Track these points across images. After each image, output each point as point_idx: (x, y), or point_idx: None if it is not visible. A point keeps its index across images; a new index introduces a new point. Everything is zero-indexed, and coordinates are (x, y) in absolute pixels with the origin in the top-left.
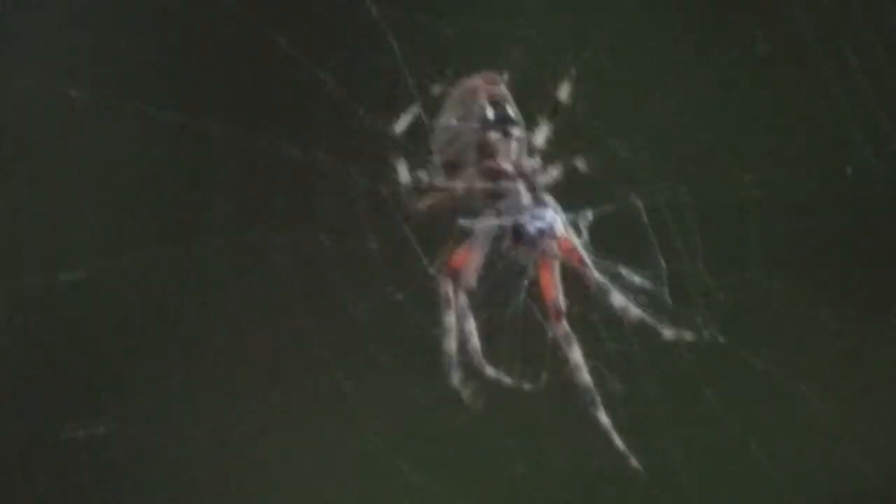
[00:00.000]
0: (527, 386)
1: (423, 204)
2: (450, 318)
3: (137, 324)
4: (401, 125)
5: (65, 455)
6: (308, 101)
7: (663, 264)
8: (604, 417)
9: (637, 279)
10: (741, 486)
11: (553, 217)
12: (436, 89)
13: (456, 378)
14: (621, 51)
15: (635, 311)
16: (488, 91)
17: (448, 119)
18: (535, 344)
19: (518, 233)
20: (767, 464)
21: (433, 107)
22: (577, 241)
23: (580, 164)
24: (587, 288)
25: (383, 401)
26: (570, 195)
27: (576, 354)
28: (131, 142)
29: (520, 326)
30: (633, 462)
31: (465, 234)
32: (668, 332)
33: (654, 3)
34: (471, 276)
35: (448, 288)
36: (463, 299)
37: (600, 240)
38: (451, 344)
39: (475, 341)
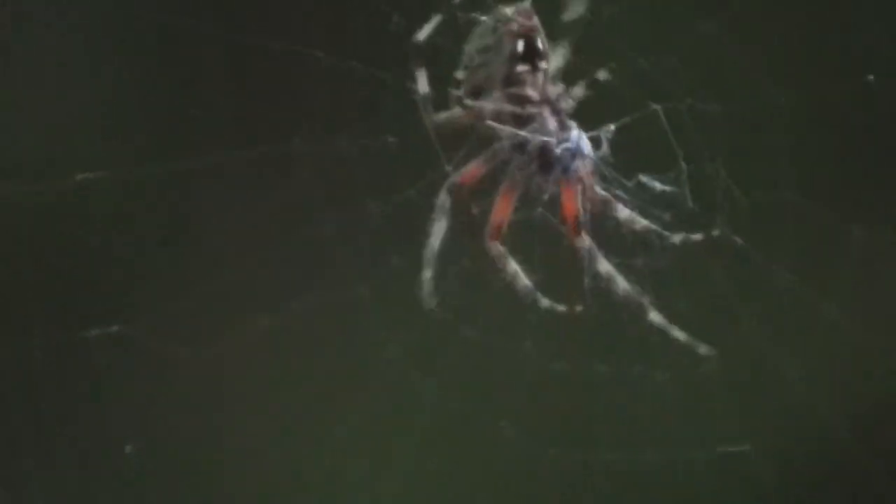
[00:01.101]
0: (579, 308)
1: (441, 117)
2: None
3: (151, 232)
4: (423, 33)
5: (79, 354)
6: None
7: (684, 167)
8: (656, 317)
9: (658, 184)
10: (768, 396)
11: (579, 136)
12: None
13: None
14: None
15: (641, 222)
16: (521, 24)
17: (478, 45)
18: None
19: (546, 153)
20: (792, 373)
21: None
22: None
23: (602, 75)
24: (590, 202)
25: (400, 312)
26: (594, 111)
27: (604, 266)
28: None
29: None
30: (703, 349)
31: (485, 143)
32: (676, 237)
33: None
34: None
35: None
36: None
37: (622, 151)
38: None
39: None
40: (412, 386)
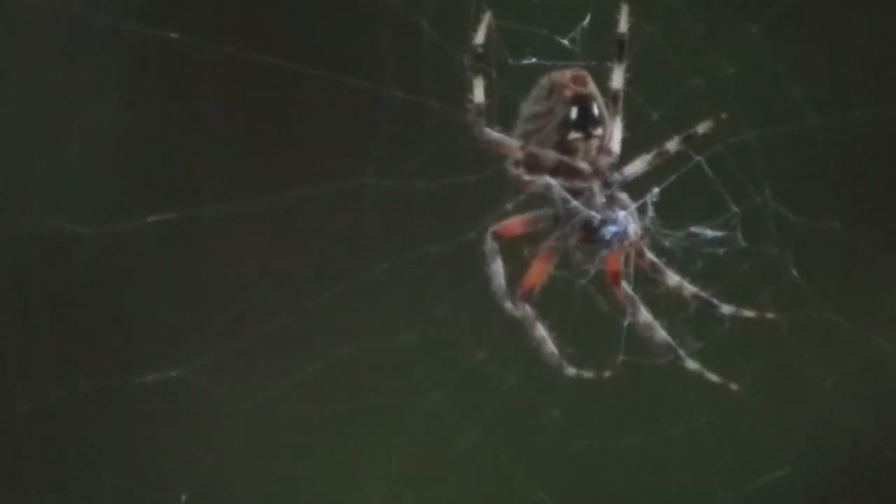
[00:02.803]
0: (607, 374)
1: (494, 135)
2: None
3: (201, 275)
4: (479, 36)
5: (133, 399)
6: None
7: (734, 209)
8: (692, 365)
9: (709, 232)
10: (809, 415)
11: (626, 220)
12: None
13: (571, 372)
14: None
15: (691, 289)
16: (575, 90)
17: (531, 111)
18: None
19: (589, 229)
20: (841, 403)
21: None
22: (640, 232)
23: (671, 145)
24: (643, 270)
25: (445, 360)
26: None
27: (644, 315)
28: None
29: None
30: (733, 386)
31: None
32: (726, 308)
33: None
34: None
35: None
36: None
37: (671, 207)
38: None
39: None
40: (452, 436)
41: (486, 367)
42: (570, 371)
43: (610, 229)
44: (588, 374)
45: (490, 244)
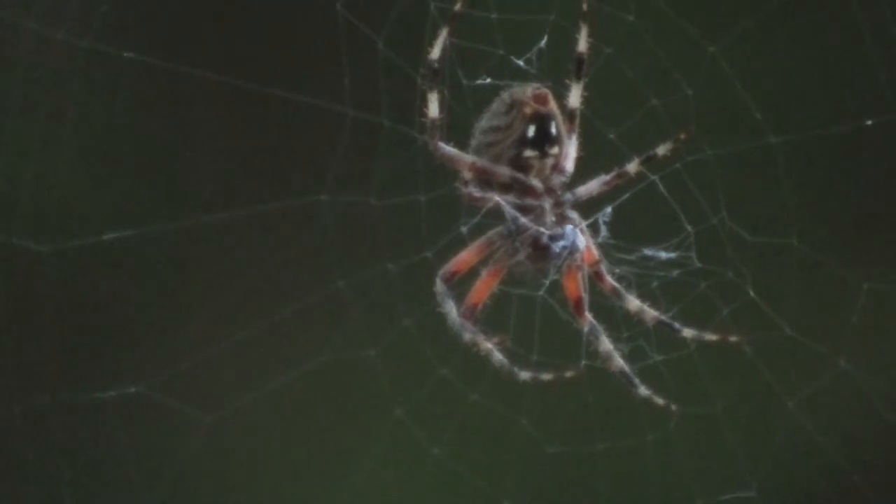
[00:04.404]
0: (569, 374)
1: (448, 150)
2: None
3: (164, 290)
4: (435, 52)
5: (98, 414)
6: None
7: (689, 229)
8: (643, 391)
9: (663, 254)
10: (774, 443)
11: (574, 233)
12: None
13: (525, 376)
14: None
15: (652, 314)
16: (535, 108)
17: (488, 124)
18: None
19: (538, 245)
20: (805, 424)
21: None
22: (597, 254)
23: (631, 167)
24: (604, 293)
25: (408, 374)
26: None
27: (605, 344)
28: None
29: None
30: (673, 407)
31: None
32: (687, 332)
33: None
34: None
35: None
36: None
37: (625, 225)
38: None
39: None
40: (418, 448)
41: (452, 379)
42: (525, 375)
43: (559, 244)
44: (546, 376)
45: (440, 286)
